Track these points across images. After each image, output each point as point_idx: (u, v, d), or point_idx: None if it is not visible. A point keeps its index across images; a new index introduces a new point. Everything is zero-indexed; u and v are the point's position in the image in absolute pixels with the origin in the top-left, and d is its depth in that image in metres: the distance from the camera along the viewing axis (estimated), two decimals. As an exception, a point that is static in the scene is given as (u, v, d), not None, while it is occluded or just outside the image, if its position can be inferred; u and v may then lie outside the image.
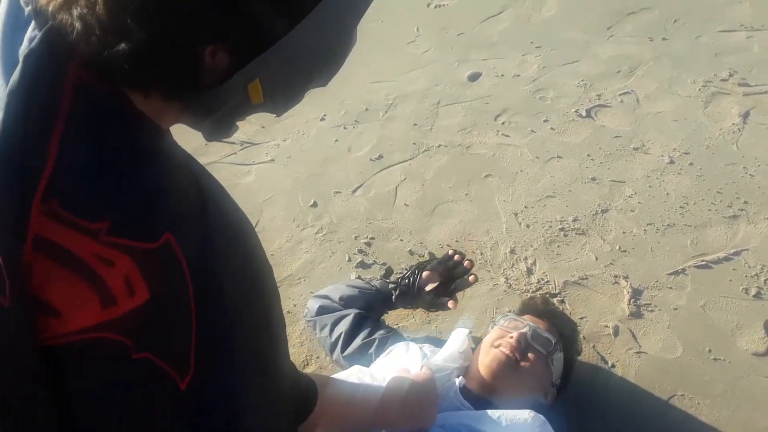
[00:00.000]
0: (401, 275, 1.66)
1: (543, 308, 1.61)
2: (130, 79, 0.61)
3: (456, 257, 1.64)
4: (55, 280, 0.56)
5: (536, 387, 1.42)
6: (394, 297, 1.61)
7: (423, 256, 2.02)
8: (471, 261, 1.62)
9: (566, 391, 1.50)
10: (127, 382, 0.62)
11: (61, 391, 0.60)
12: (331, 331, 1.59)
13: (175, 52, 0.61)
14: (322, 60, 0.73)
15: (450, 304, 1.56)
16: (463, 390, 1.36)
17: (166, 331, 0.62)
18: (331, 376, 1.36)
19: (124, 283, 0.58)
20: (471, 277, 1.59)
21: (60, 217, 0.56)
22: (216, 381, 0.67)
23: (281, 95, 0.72)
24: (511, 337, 1.41)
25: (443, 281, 1.61)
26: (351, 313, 1.59)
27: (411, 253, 2.05)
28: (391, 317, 1.77)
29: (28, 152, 0.56)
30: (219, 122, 0.72)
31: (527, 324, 1.46)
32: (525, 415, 1.27)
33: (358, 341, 1.54)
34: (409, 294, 1.61)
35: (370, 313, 1.62)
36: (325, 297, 1.66)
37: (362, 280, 1.76)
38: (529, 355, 1.40)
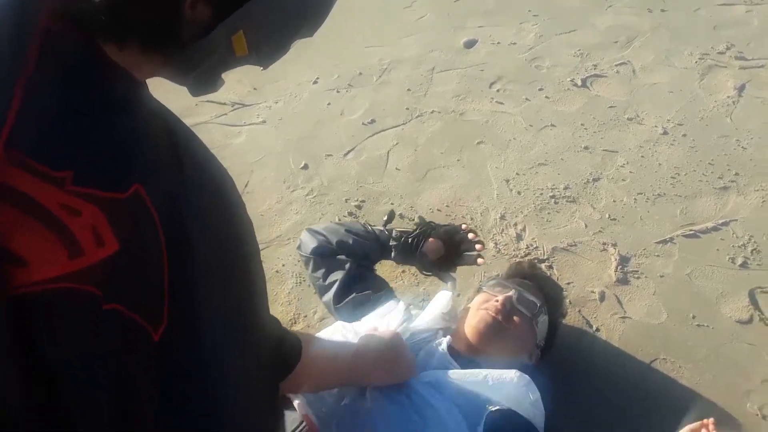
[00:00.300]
0: (405, 233, 1.60)
1: (529, 272, 1.61)
2: (106, 31, 0.60)
3: (470, 235, 1.59)
4: (21, 229, 0.55)
5: (521, 348, 1.43)
6: (393, 254, 1.59)
7: (413, 219, 2.02)
8: (482, 243, 1.59)
9: (551, 352, 1.51)
10: (99, 333, 0.61)
11: (32, 349, 0.59)
12: (326, 277, 1.56)
13: (153, 3, 0.60)
14: (307, 8, 0.72)
15: (479, 261, 1.55)
16: (451, 350, 1.37)
17: (137, 282, 0.61)
18: (316, 334, 1.36)
19: (91, 233, 0.57)
20: (480, 260, 1.56)
21: (24, 165, 0.54)
22: (190, 332, 0.66)
23: (266, 46, 0.71)
24: (497, 300, 1.42)
25: (447, 251, 1.59)
26: (347, 263, 1.55)
27: (401, 216, 2.05)
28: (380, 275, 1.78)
29: None
30: (203, 76, 0.71)
31: (513, 287, 1.46)
32: (511, 374, 1.28)
33: (351, 295, 1.52)
34: (408, 254, 1.59)
35: (366, 262, 1.59)
36: (322, 236, 1.59)
37: (360, 223, 1.69)
38: (514, 317, 1.41)
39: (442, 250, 1.59)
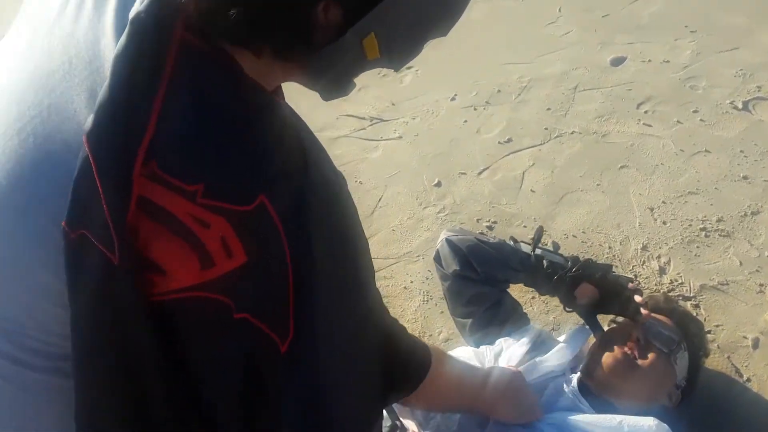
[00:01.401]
0: (559, 266, 1.46)
1: (666, 306, 1.50)
2: (242, 40, 0.61)
3: (637, 298, 1.41)
4: (158, 239, 0.58)
5: (658, 388, 1.33)
6: (538, 286, 1.50)
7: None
8: (646, 304, 1.43)
9: (693, 396, 1.40)
10: (232, 339, 0.63)
11: (173, 354, 0.63)
12: (464, 303, 1.52)
13: (288, 10, 0.60)
14: (439, 8, 0.69)
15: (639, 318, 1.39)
16: (581, 388, 1.31)
17: (265, 293, 0.62)
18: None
19: (221, 244, 0.58)
20: (640, 317, 1.39)
21: (160, 179, 0.57)
22: (315, 346, 0.66)
23: (398, 48, 0.70)
24: (630, 335, 1.34)
25: (602, 300, 1.45)
26: (488, 295, 1.50)
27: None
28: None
29: (132, 116, 0.57)
30: (335, 80, 0.71)
31: (647, 321, 1.37)
32: (649, 422, 1.19)
33: (485, 330, 1.48)
34: (556, 290, 1.47)
35: (505, 286, 1.54)
36: (463, 254, 1.49)
37: (506, 242, 1.55)
38: (649, 354, 1.32)
39: (595, 297, 1.45)
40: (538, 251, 1.49)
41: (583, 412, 1.24)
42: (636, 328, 1.37)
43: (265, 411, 0.68)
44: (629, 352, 1.32)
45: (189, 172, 0.58)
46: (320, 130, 2.60)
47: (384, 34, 0.65)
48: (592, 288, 1.44)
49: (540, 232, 1.54)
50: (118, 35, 0.61)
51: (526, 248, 1.51)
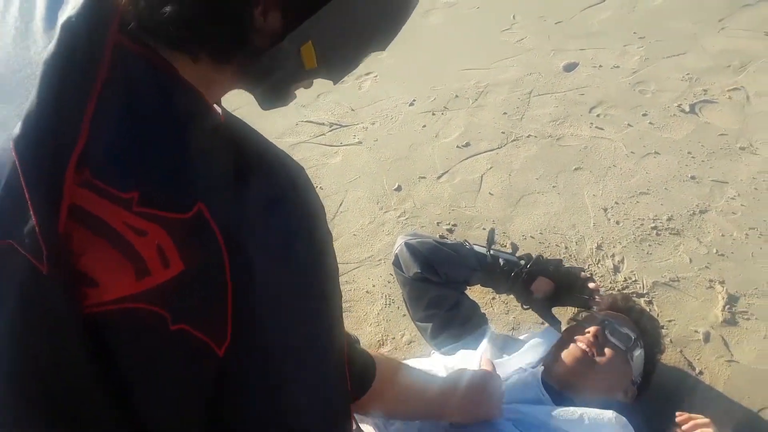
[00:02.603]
0: (514, 265, 1.53)
1: (623, 305, 1.55)
2: (177, 43, 0.60)
3: (591, 285, 1.52)
4: (92, 249, 0.56)
5: (615, 384, 1.37)
6: (496, 284, 1.56)
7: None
8: (599, 292, 1.53)
9: (648, 391, 1.44)
10: (167, 351, 0.61)
11: (107, 367, 0.60)
12: (424, 307, 1.54)
13: (225, 12, 0.59)
14: (379, 21, 0.68)
15: (593, 304, 1.50)
16: (544, 382, 1.34)
17: (202, 302, 0.61)
18: (409, 361, 1.36)
19: (157, 254, 0.57)
20: (593, 304, 1.51)
21: (93, 187, 0.55)
22: (254, 348, 0.65)
23: (336, 59, 0.69)
24: (588, 332, 1.37)
25: (557, 292, 1.54)
26: (447, 298, 1.52)
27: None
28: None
29: (63, 122, 0.55)
30: (274, 88, 0.70)
31: (605, 319, 1.41)
32: (609, 415, 1.22)
33: (448, 331, 1.50)
34: (512, 288, 1.54)
35: (464, 287, 1.57)
36: (422, 257, 1.50)
37: (462, 243, 1.58)
38: (607, 350, 1.36)
39: (551, 291, 1.53)
40: (492, 251, 1.54)
41: (545, 404, 1.26)
42: (593, 320, 1.41)
43: (220, 422, 0.66)
44: (588, 350, 1.35)
45: (123, 179, 0.56)
46: (280, 136, 2.59)
47: (322, 43, 0.65)
48: (547, 281, 1.51)
49: (493, 233, 1.58)
50: (47, 41, 0.58)
51: (481, 249, 1.56)
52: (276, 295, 0.65)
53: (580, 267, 1.54)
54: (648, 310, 1.72)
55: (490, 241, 1.56)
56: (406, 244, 1.55)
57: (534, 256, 1.56)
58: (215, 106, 0.69)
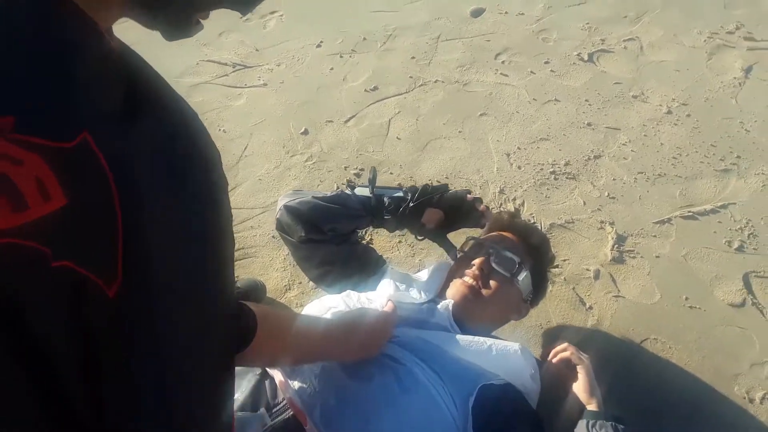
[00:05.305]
0: (400, 200, 1.49)
1: (509, 222, 1.55)
2: None
3: (480, 207, 1.49)
4: None
5: (506, 309, 1.42)
6: (386, 224, 1.51)
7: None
8: (488, 209, 1.51)
9: (543, 328, 1.52)
10: (49, 290, 0.57)
11: None
12: (318, 267, 1.50)
13: None
14: None
15: (483, 221, 1.49)
16: (453, 312, 1.34)
17: (88, 237, 0.57)
18: (321, 299, 1.35)
19: (36, 186, 0.52)
20: (484, 220, 1.50)
21: None
22: (146, 290, 0.62)
23: None
24: (474, 264, 1.39)
25: (448, 219, 1.52)
26: (338, 253, 1.47)
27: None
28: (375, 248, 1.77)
29: None
30: (177, 16, 0.66)
31: (489, 248, 1.43)
32: (515, 346, 1.26)
33: (345, 282, 1.46)
34: (403, 223, 1.51)
35: (354, 236, 1.54)
36: (305, 217, 1.44)
37: (343, 191, 1.52)
38: (492, 282, 1.38)
39: (442, 219, 1.51)
40: (376, 190, 1.49)
41: (452, 333, 1.29)
42: (479, 250, 1.43)
43: (110, 372, 0.63)
44: (474, 283, 1.37)
45: None
46: (179, 75, 2.46)
47: None
48: (436, 211, 1.49)
49: (374, 171, 1.52)
50: None
51: (363, 191, 1.50)
52: (167, 234, 0.62)
53: (467, 189, 1.54)
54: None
55: (372, 181, 1.51)
56: (286, 207, 1.47)
57: (419, 187, 1.52)
58: (108, 35, 0.64)
